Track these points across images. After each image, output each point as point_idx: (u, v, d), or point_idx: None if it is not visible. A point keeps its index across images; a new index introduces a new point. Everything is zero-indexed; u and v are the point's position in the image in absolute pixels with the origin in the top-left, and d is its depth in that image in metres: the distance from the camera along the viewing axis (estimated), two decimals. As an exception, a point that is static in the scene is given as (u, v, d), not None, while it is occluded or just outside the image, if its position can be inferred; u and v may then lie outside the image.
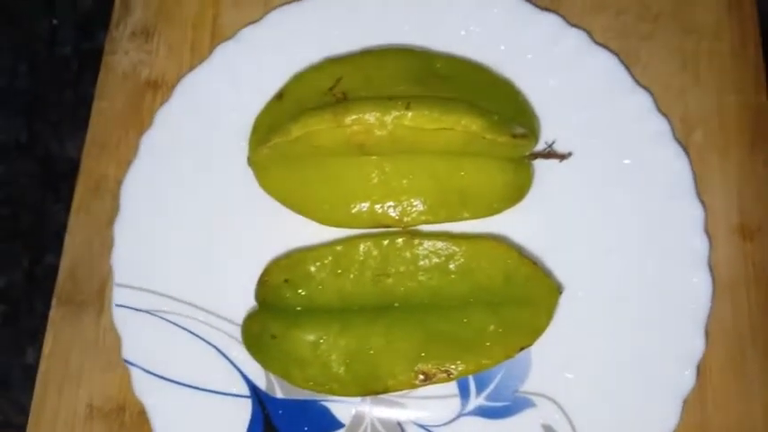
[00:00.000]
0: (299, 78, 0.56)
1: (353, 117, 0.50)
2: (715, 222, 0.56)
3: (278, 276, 0.52)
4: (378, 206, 0.52)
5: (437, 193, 0.52)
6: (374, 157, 0.52)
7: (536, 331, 0.49)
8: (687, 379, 0.51)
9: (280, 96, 0.56)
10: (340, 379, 0.49)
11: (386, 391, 0.49)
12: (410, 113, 0.49)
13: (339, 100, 0.53)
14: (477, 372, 0.49)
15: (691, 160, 0.55)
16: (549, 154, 0.55)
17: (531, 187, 0.54)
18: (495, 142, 0.50)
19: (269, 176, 0.54)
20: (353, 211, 0.53)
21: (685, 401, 0.51)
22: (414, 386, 0.49)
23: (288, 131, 0.51)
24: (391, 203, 0.52)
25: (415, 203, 0.52)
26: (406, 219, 0.52)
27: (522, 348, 0.49)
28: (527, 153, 0.54)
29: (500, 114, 0.52)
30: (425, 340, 0.49)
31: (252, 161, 0.54)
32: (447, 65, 0.56)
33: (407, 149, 0.51)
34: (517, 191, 0.53)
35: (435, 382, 0.48)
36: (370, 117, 0.50)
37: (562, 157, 0.55)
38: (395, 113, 0.49)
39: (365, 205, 0.53)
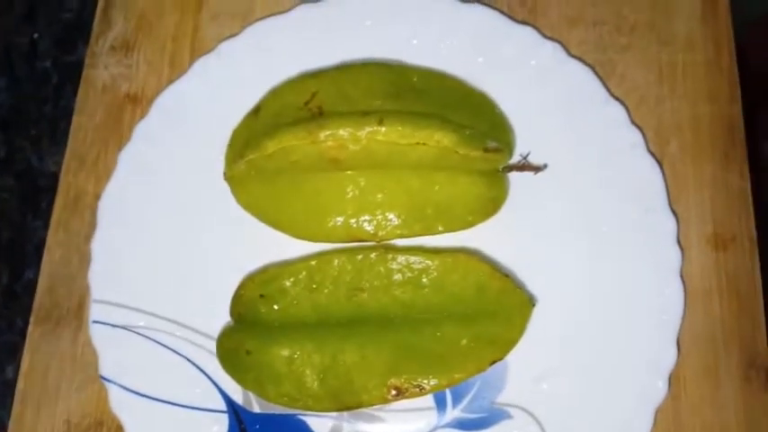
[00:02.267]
0: (275, 93, 0.56)
1: (327, 133, 0.50)
2: (688, 232, 0.57)
3: (253, 291, 0.52)
4: (353, 220, 0.53)
5: (412, 207, 0.53)
6: (349, 172, 0.52)
7: (508, 344, 0.50)
8: (659, 390, 0.52)
9: (256, 111, 0.56)
10: (314, 394, 0.49)
11: (359, 406, 0.49)
12: (383, 129, 0.50)
13: (315, 115, 0.53)
14: (450, 386, 0.49)
15: (665, 171, 0.56)
16: (524, 167, 0.55)
17: (507, 200, 0.54)
18: (467, 157, 0.50)
19: (245, 192, 0.54)
20: (329, 225, 0.53)
21: (658, 411, 0.52)
22: (387, 401, 0.49)
23: (263, 147, 0.51)
24: (366, 218, 0.53)
25: (390, 217, 0.52)
26: (381, 233, 0.53)
27: (493, 362, 0.49)
28: (501, 166, 0.54)
29: (474, 128, 0.52)
30: (398, 355, 0.49)
31: (228, 176, 0.54)
32: (423, 79, 0.56)
33: (382, 164, 0.52)
34: (491, 204, 0.53)
35: (408, 397, 0.49)
36: (344, 132, 0.50)
37: (537, 169, 0.55)
38: (368, 129, 0.50)
39: (340, 219, 0.53)
